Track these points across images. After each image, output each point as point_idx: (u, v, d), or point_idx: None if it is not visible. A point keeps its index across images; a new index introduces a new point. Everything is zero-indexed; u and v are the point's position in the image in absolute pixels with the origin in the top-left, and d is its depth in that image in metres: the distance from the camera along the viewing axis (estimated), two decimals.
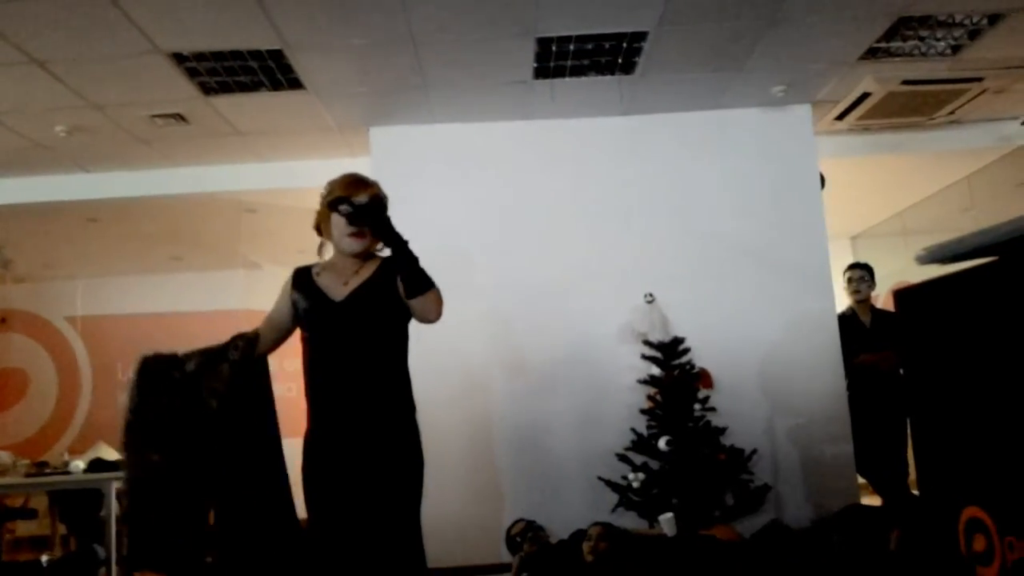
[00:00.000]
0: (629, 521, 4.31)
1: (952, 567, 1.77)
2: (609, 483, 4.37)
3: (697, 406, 4.39)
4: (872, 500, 5.01)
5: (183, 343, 6.70)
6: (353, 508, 2.19)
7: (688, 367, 4.51)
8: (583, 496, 4.64)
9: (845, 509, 4.05)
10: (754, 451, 4.46)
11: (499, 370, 4.87)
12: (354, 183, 2.35)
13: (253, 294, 6.42)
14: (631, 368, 4.72)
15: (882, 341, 4.79)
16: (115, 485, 4.83)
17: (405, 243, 2.25)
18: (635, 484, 4.27)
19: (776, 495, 4.71)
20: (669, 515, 4.01)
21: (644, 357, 4.56)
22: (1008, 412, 1.64)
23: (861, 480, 4.90)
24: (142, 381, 2.33)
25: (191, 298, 6.54)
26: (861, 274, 5.00)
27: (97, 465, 5.07)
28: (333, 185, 2.38)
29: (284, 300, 2.43)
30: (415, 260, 2.26)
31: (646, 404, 4.54)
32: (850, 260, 5.43)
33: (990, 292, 1.70)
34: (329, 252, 2.45)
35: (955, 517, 1.79)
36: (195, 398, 2.31)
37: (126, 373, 6.38)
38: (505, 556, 4.31)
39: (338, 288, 2.32)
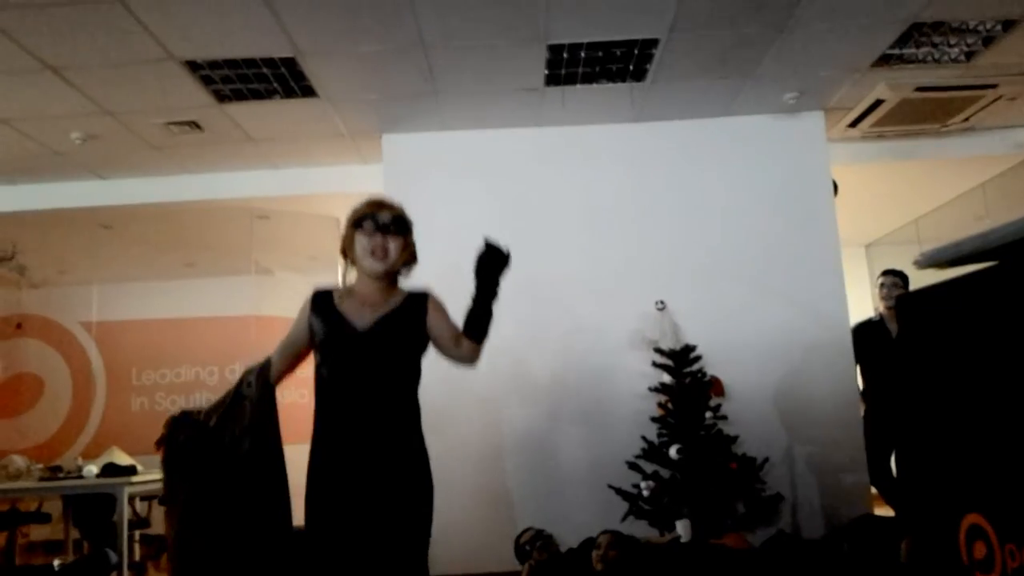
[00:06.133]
0: (640, 529, 4.29)
1: (953, 575, 1.75)
2: (619, 491, 4.35)
3: (708, 414, 4.36)
4: (885, 510, 4.96)
5: (196, 348, 6.72)
6: (358, 537, 2.17)
7: (699, 375, 4.49)
8: (593, 504, 4.62)
9: (857, 519, 4.02)
10: (766, 460, 4.43)
11: (508, 377, 4.86)
12: (378, 203, 2.37)
13: (265, 300, 6.45)
14: (642, 375, 4.70)
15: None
16: (127, 490, 4.86)
17: (496, 293, 2.29)
18: (645, 492, 4.25)
19: (788, 504, 4.67)
20: (685, 522, 3.99)
21: (655, 364, 4.54)
22: (1008, 418, 1.63)
23: (874, 490, 4.86)
24: (173, 443, 2.38)
25: (203, 303, 6.56)
26: (894, 280, 4.88)
27: (110, 470, 5.10)
28: (357, 207, 2.39)
29: (301, 324, 2.39)
30: (492, 311, 2.31)
31: (657, 412, 4.52)
32: (865, 268, 5.40)
33: (990, 297, 1.68)
34: (352, 277, 2.42)
35: (956, 524, 1.78)
36: (226, 446, 2.34)
37: (139, 378, 6.44)
38: (515, 564, 4.30)
39: (362, 316, 2.30)
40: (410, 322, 2.32)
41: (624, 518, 4.28)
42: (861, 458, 4.77)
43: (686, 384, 4.43)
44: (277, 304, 6.43)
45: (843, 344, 4.90)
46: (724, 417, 4.43)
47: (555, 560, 3.99)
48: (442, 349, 2.36)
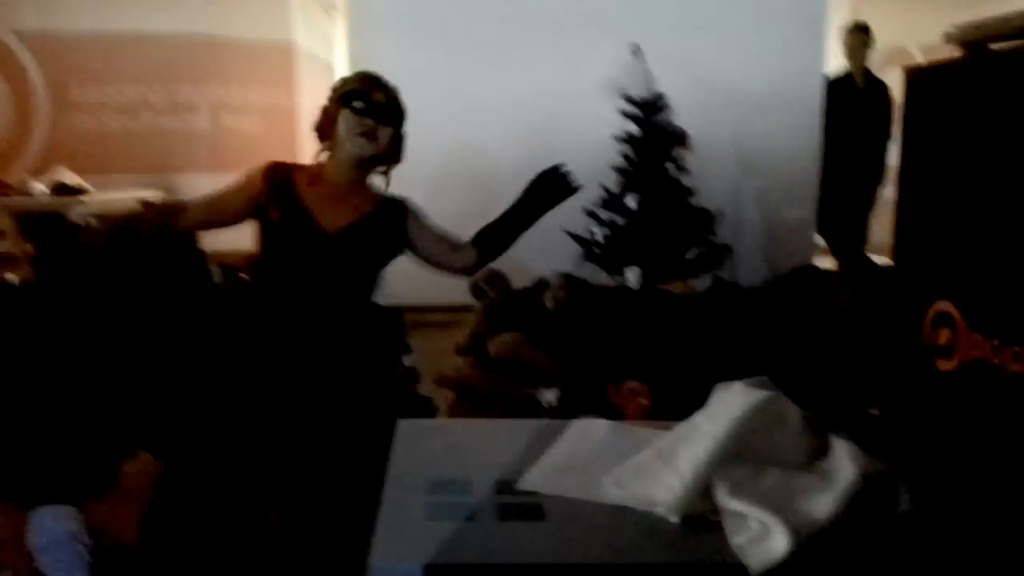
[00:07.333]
0: (591, 274, 4.43)
1: (911, 355, 1.79)
2: (574, 236, 4.42)
3: (670, 166, 4.36)
4: (827, 262, 5.19)
5: (140, 67, 6.30)
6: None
7: (667, 127, 4.41)
8: (547, 247, 4.68)
9: (798, 269, 4.17)
10: (719, 211, 4.51)
11: (473, 107, 4.80)
12: (373, 79, 2.08)
13: (218, 19, 6.00)
14: (607, 123, 4.60)
15: (871, 108, 4.76)
16: (77, 208, 4.81)
17: (536, 221, 2.11)
18: (599, 239, 4.34)
19: (736, 255, 4.83)
20: (635, 269, 4.11)
21: (623, 113, 4.44)
22: (1003, 211, 1.59)
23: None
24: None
25: (153, 18, 6.07)
26: (860, 37, 4.84)
27: (61, 189, 5.03)
28: (346, 80, 2.11)
29: (244, 194, 2.08)
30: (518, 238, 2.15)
31: (619, 161, 4.49)
32: (849, 18, 5.23)
33: (1016, 82, 1.56)
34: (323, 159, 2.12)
35: (924, 308, 1.78)
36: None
37: (83, 96, 6.10)
38: (468, 299, 4.45)
39: (329, 214, 2.05)
40: (386, 234, 2.10)
41: (577, 262, 4.40)
42: (810, 214, 4.92)
43: (652, 135, 4.37)
44: (231, 24, 6.01)
45: (813, 97, 4.88)
46: (685, 169, 4.43)
47: (508, 299, 4.13)
48: (431, 260, 2.16)
